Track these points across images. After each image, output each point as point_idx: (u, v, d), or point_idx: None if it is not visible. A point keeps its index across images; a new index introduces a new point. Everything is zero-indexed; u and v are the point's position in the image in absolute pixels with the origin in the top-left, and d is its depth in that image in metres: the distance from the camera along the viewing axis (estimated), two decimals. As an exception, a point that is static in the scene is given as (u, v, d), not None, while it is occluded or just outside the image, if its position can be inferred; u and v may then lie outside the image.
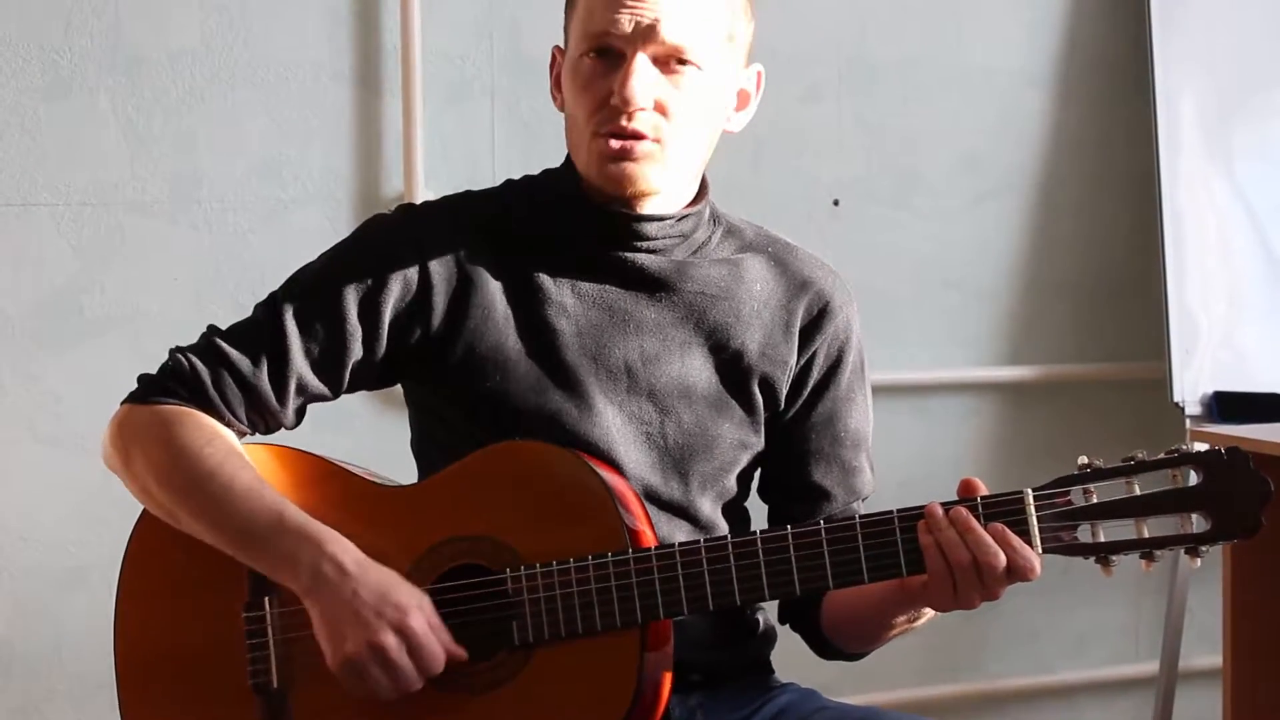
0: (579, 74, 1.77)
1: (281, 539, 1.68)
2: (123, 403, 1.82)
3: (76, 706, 2.91)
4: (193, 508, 1.73)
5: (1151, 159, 3.35)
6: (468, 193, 1.92)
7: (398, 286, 1.80)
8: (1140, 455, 1.62)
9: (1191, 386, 3.30)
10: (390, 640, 1.63)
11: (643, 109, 1.73)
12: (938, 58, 3.39)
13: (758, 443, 1.88)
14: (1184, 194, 3.35)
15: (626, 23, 1.72)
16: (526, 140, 3.07)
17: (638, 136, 1.74)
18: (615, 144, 1.74)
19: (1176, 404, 3.28)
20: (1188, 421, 3.27)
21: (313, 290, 1.81)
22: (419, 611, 1.65)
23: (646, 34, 1.72)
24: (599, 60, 1.75)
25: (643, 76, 1.73)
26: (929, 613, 1.77)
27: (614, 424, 1.80)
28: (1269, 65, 3.47)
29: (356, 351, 1.80)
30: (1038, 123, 3.47)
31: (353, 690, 1.65)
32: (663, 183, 1.78)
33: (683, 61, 1.75)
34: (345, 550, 1.67)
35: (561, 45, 1.85)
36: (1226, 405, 3.28)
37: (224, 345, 1.79)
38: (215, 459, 1.73)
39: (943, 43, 3.40)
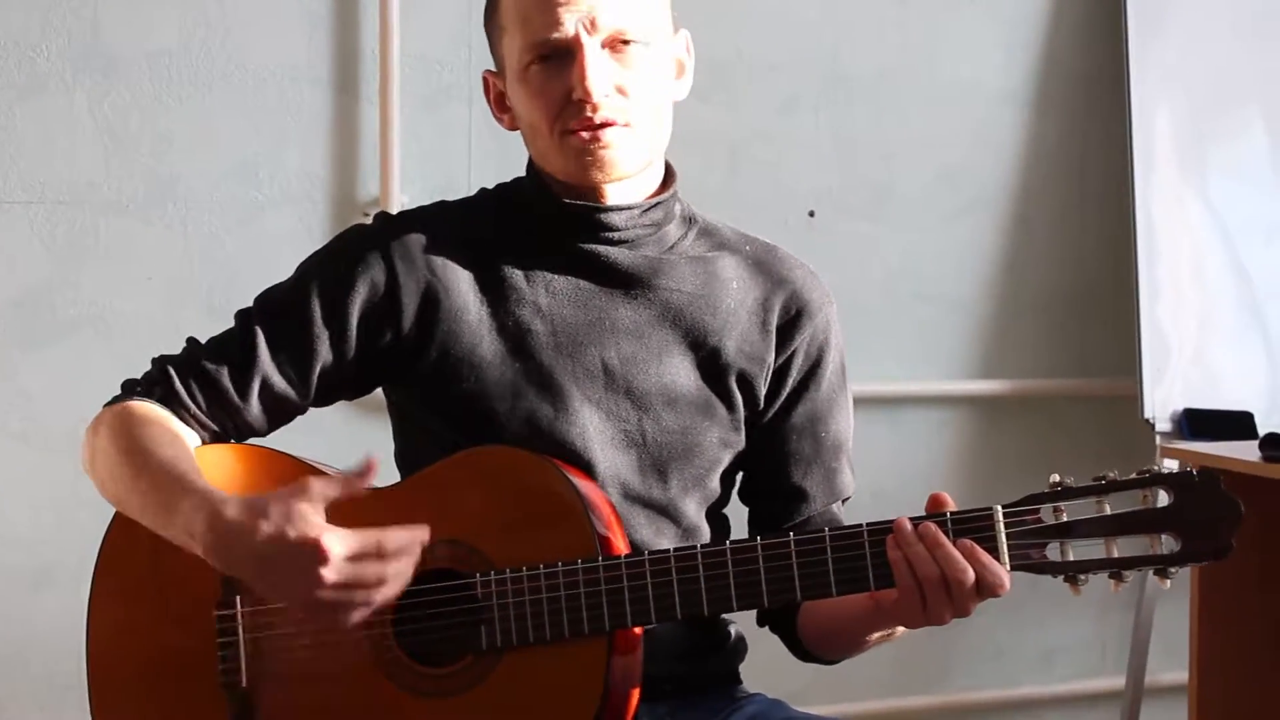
0: (530, 83, 1.77)
1: (181, 503, 1.63)
2: (104, 406, 1.83)
3: (42, 707, 2.90)
4: (124, 487, 1.72)
5: (1126, 175, 3.36)
6: (442, 201, 1.93)
7: (364, 289, 1.81)
8: (1111, 475, 1.61)
9: (1162, 403, 3.31)
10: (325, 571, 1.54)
11: (606, 95, 1.74)
12: (914, 71, 3.40)
13: (739, 441, 1.88)
14: (1158, 211, 3.37)
15: (566, 20, 1.73)
16: (502, 147, 3.04)
17: (606, 124, 1.75)
18: (586, 134, 1.75)
19: (1147, 420, 3.30)
20: (1158, 438, 3.28)
21: (283, 297, 1.84)
22: (333, 535, 1.54)
23: (589, 23, 1.73)
24: (546, 64, 1.76)
25: (597, 65, 1.74)
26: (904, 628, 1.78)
27: (591, 423, 1.80)
28: (1243, 84, 3.49)
29: (324, 355, 1.81)
30: (1013, 138, 3.49)
31: (340, 623, 1.59)
32: (637, 162, 1.80)
33: (627, 41, 1.76)
34: (223, 502, 1.60)
35: (492, 69, 1.86)
36: (1196, 422, 3.30)
37: (198, 353, 1.82)
38: (150, 438, 1.72)
39: (920, 56, 3.41)
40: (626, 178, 1.80)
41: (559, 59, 1.75)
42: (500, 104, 1.86)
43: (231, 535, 1.58)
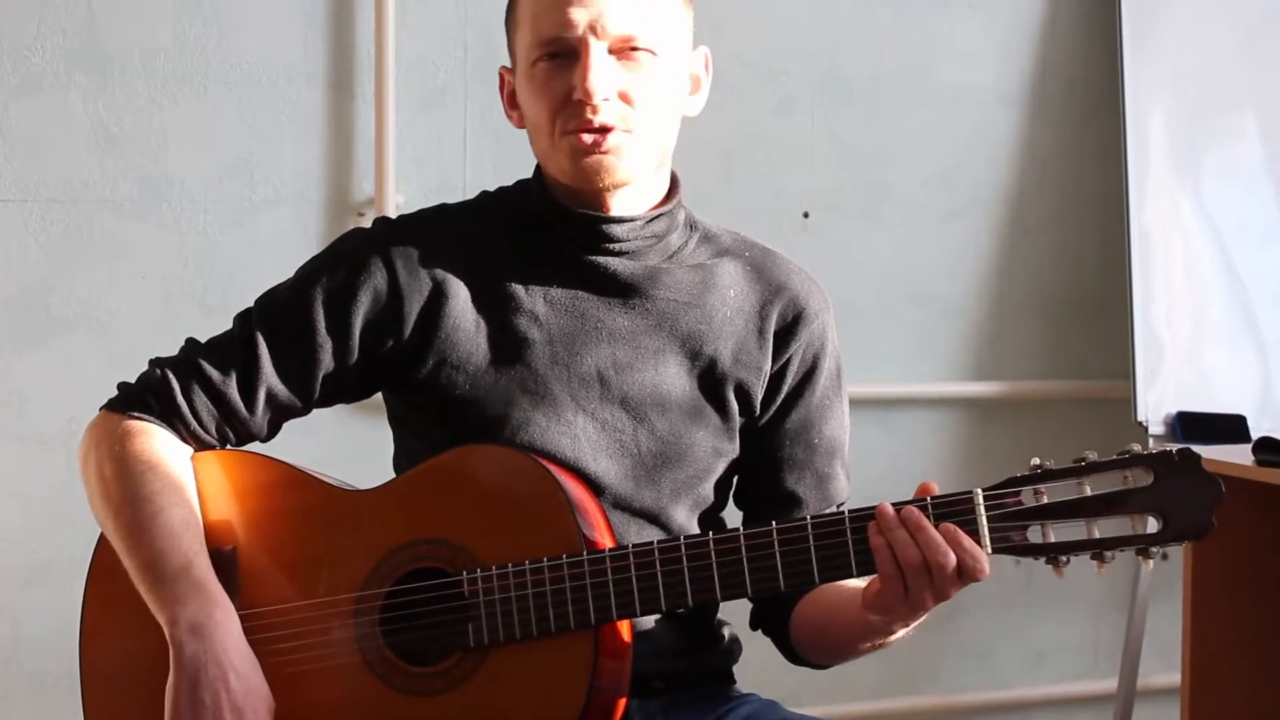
0: (534, 80, 1.78)
1: (177, 584, 1.69)
2: (100, 409, 1.84)
3: (34, 705, 2.90)
4: (117, 525, 1.75)
5: (1120, 178, 3.37)
6: (443, 205, 1.93)
7: (368, 298, 1.81)
8: (1091, 456, 1.61)
9: (1155, 406, 3.31)
10: None
11: (606, 99, 1.74)
12: (910, 73, 3.41)
13: (733, 450, 1.88)
14: (1151, 214, 3.37)
15: (576, 19, 1.73)
16: (498, 147, 3.08)
17: (605, 129, 1.75)
18: (587, 138, 1.75)
19: (1140, 423, 3.29)
20: (1151, 441, 3.28)
21: (285, 303, 1.83)
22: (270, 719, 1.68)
23: (597, 26, 1.74)
24: (553, 62, 1.76)
25: (601, 67, 1.74)
26: (897, 635, 1.75)
27: (584, 432, 1.80)
28: (1237, 87, 3.49)
29: (327, 363, 1.81)
30: (1008, 140, 3.49)
31: None
32: (637, 171, 1.79)
33: (636, 49, 1.76)
34: (230, 627, 1.68)
35: (508, 65, 1.86)
36: (1189, 426, 3.30)
37: (198, 357, 1.81)
38: (154, 486, 1.74)
39: (915, 59, 3.41)
40: (625, 185, 1.79)
41: (565, 58, 1.75)
42: (512, 100, 1.86)
43: (198, 671, 1.66)
